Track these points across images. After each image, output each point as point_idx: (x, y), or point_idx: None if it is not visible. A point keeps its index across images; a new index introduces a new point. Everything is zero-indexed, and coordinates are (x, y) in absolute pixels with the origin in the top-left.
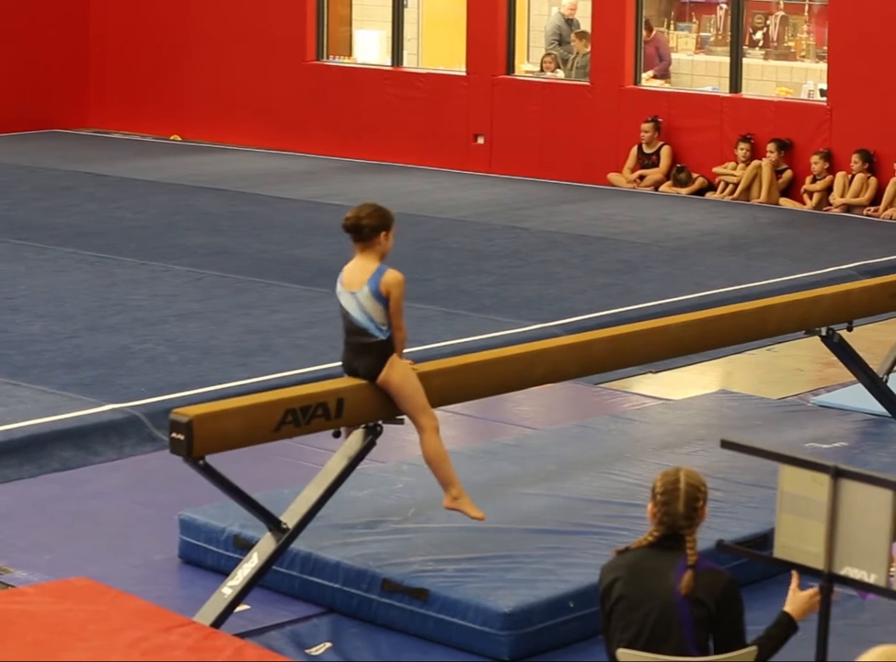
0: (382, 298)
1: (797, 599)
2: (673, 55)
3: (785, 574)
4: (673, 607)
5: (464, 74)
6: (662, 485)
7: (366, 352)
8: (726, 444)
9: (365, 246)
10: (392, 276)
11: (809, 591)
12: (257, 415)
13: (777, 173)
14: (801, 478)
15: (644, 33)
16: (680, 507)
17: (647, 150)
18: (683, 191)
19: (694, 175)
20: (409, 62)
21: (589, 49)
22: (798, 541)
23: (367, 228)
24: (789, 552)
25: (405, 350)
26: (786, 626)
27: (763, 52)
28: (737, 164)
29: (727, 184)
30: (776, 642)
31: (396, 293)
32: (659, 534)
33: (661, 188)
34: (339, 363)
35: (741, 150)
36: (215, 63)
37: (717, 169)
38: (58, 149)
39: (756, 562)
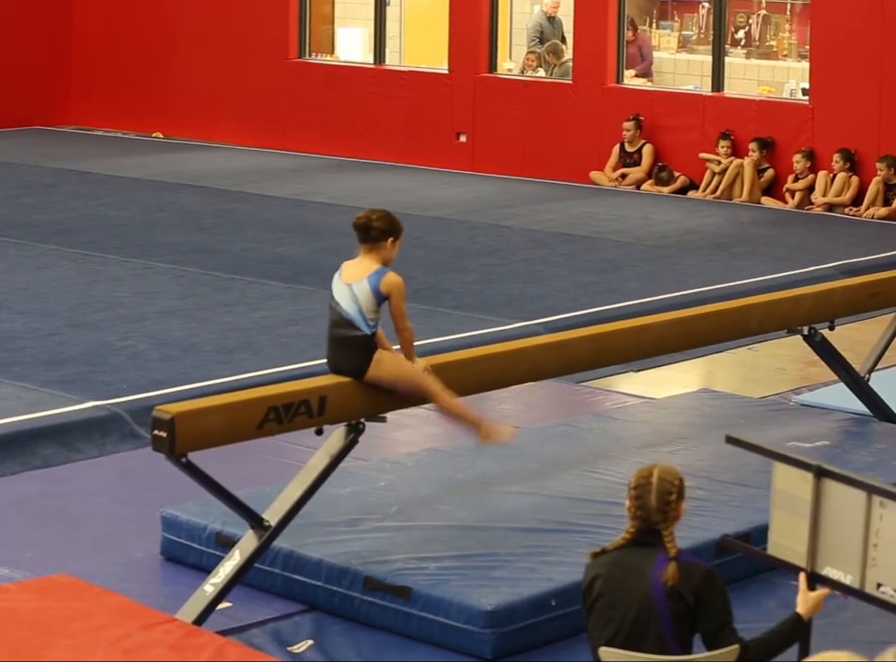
0: (379, 295)
1: (808, 599)
2: (655, 54)
3: (767, 572)
4: (651, 603)
5: (446, 72)
6: (636, 479)
7: (349, 347)
8: (730, 440)
9: (371, 248)
10: (393, 278)
11: (820, 591)
12: (239, 412)
13: (759, 172)
14: (792, 476)
15: (628, 33)
16: (652, 500)
17: (629, 148)
18: (665, 190)
19: (676, 173)
20: (392, 60)
21: (562, 60)
22: (789, 539)
23: (376, 230)
24: (781, 550)
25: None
26: (794, 624)
27: (746, 51)
28: (718, 162)
29: (708, 182)
30: (784, 638)
31: (396, 296)
32: (634, 529)
33: (643, 187)
34: (322, 361)
35: (722, 147)
36: (198, 61)
37: (703, 155)
38: (40, 146)
39: (753, 558)
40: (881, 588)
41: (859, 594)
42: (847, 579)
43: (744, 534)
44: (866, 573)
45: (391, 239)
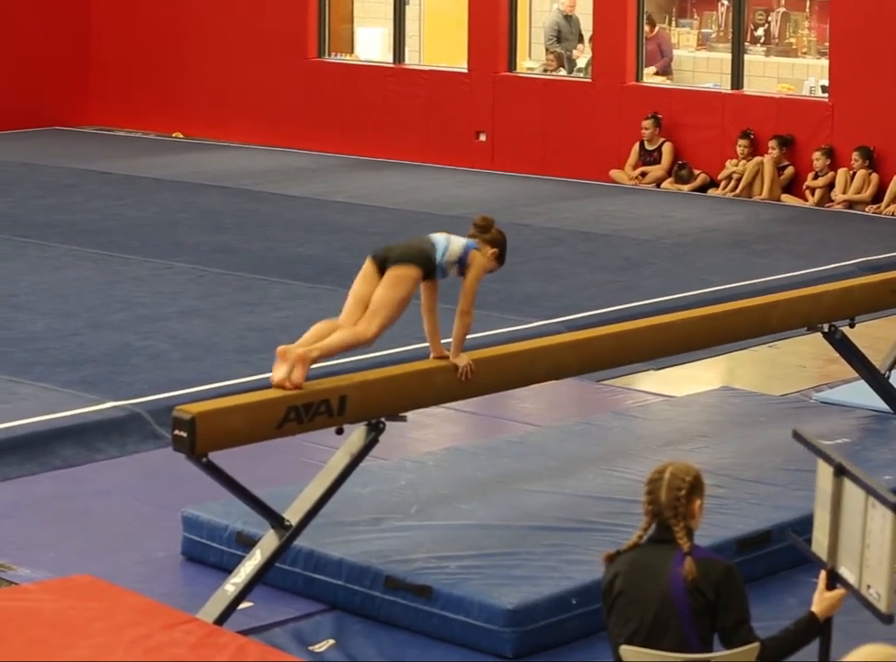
0: (464, 259)
1: (824, 599)
2: (675, 52)
3: (788, 570)
4: (671, 600)
5: (465, 71)
6: (650, 475)
7: (419, 252)
8: (796, 436)
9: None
10: (482, 257)
11: (838, 591)
12: (260, 412)
13: (779, 169)
14: (826, 474)
15: (646, 29)
16: (662, 495)
17: (648, 147)
18: (685, 188)
19: (696, 171)
20: (411, 60)
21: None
22: (824, 536)
23: (492, 234)
24: (819, 547)
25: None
26: (809, 622)
27: (765, 49)
28: (738, 160)
29: (730, 179)
30: (798, 637)
31: (475, 272)
32: (647, 525)
33: (663, 185)
34: (342, 361)
35: (741, 146)
36: (217, 61)
37: (722, 175)
38: (60, 147)
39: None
40: (870, 589)
41: (857, 595)
42: (852, 579)
43: (765, 532)
44: (863, 573)
45: (496, 250)
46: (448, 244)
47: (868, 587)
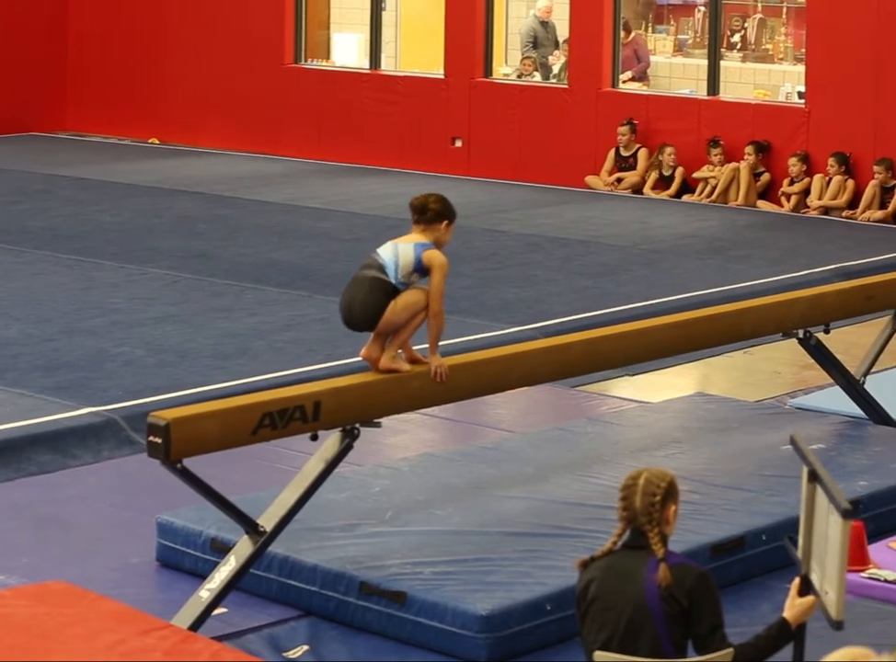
0: (419, 264)
1: (795, 605)
2: (651, 58)
3: (762, 576)
4: (645, 605)
5: (442, 77)
6: (624, 481)
7: (372, 288)
8: (793, 442)
9: (424, 229)
10: (438, 255)
11: (808, 599)
12: (234, 418)
13: (755, 175)
14: (805, 479)
15: (623, 34)
16: (637, 501)
17: (624, 153)
18: (664, 194)
19: (673, 164)
20: (388, 66)
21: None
22: (802, 541)
23: (432, 212)
24: (801, 552)
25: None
26: (780, 628)
27: (741, 55)
28: (713, 167)
29: (705, 185)
30: (770, 644)
31: (438, 272)
32: (621, 531)
33: (645, 190)
34: (318, 366)
35: (714, 155)
36: (193, 66)
37: (697, 175)
38: (35, 152)
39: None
40: (827, 595)
41: (819, 600)
42: (818, 584)
43: (739, 538)
44: (823, 579)
45: (445, 222)
46: (397, 258)
47: (826, 592)
